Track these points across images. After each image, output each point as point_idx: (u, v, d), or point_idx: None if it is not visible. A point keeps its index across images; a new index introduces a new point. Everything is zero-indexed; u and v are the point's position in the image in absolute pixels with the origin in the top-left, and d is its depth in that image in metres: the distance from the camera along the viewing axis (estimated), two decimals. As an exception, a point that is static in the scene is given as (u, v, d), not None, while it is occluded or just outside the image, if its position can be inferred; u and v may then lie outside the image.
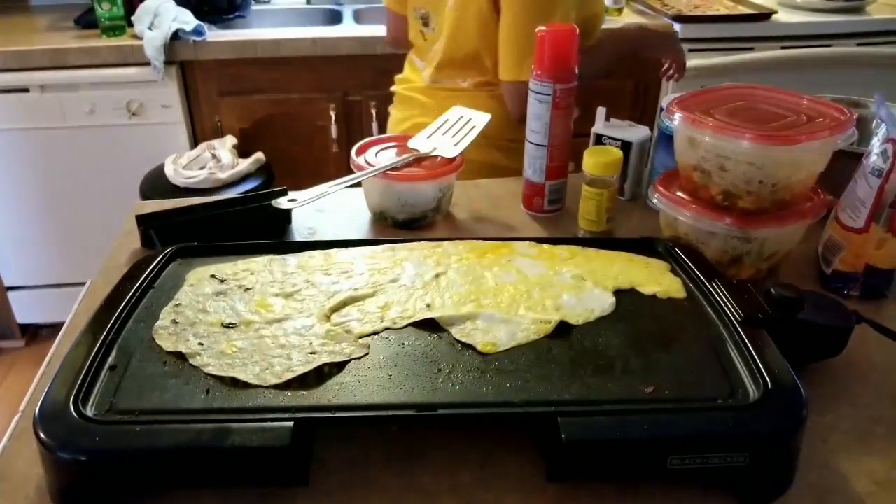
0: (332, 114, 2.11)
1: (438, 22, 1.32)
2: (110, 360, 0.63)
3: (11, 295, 2.29)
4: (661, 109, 0.95)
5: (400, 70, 1.53)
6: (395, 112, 1.50)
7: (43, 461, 0.56)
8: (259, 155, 2.02)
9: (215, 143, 2.04)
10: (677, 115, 0.81)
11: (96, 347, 0.63)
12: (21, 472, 0.60)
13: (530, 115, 0.99)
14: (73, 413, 0.55)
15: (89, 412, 0.56)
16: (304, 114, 2.13)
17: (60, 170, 2.10)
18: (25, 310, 2.33)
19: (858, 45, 2.20)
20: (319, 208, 1.04)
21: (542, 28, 0.95)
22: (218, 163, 1.93)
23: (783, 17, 2.21)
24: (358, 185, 0.99)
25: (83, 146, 2.06)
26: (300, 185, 0.98)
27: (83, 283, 2.46)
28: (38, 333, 2.43)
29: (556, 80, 0.95)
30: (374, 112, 2.11)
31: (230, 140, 2.06)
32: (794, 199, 0.82)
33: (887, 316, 0.80)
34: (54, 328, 2.43)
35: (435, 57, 1.34)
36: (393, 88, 1.51)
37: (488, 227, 1.03)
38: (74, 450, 0.54)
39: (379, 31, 2.07)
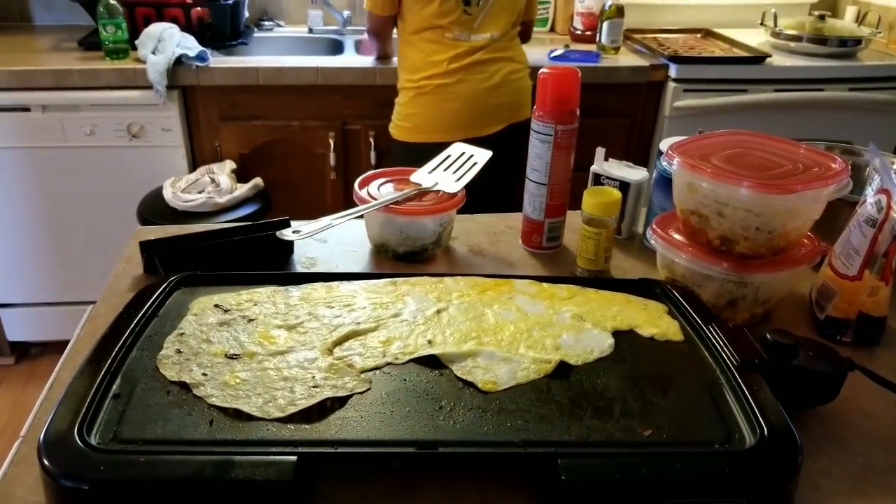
0: (331, 142, 2.13)
1: None
2: (114, 388, 0.63)
3: (2, 312, 2.28)
4: (660, 153, 0.97)
5: (394, 98, 1.92)
6: (468, 77, 1.83)
7: (45, 488, 0.56)
8: (257, 180, 2.04)
9: (214, 167, 2.05)
10: (676, 161, 0.83)
11: (101, 375, 0.63)
12: (21, 499, 0.60)
13: (531, 154, 1.01)
14: (78, 441, 0.56)
15: (93, 440, 0.57)
16: (303, 141, 2.15)
17: (58, 189, 2.10)
18: (16, 327, 2.32)
19: (850, 89, 2.24)
20: (321, 239, 1.05)
21: (546, 71, 0.98)
22: (216, 187, 1.95)
23: (777, 60, 2.26)
24: (360, 217, 1.00)
25: (82, 167, 2.07)
26: (297, 212, 0.99)
27: (76, 303, 2.45)
28: (28, 351, 2.42)
29: (558, 122, 0.97)
30: (372, 141, 2.13)
31: (229, 165, 2.07)
32: (789, 245, 0.84)
33: (879, 363, 0.81)
34: (44, 346, 2.42)
35: (496, 20, 1.83)
36: (442, 69, 1.82)
37: (487, 262, 1.04)
38: (78, 478, 0.54)
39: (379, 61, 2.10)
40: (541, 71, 0.98)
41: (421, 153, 1.79)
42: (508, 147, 1.55)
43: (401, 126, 1.91)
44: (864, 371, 0.72)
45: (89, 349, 0.68)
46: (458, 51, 1.82)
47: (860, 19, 2.48)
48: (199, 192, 1.93)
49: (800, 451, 0.59)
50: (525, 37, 2.04)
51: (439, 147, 1.32)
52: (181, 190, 1.93)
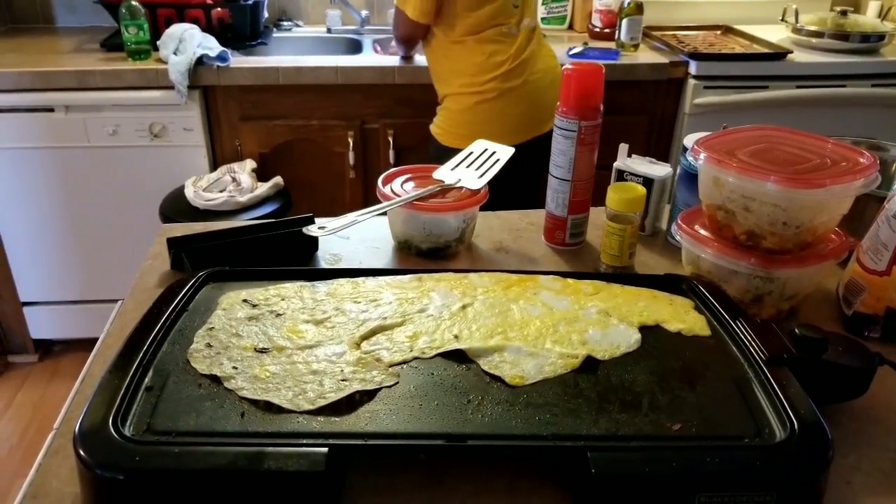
0: (350, 141, 2.14)
1: None
2: (147, 381, 0.64)
3: (26, 310, 2.31)
4: (685, 148, 0.97)
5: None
6: (530, 77, 1.81)
7: (81, 479, 0.57)
8: (278, 179, 2.05)
9: (235, 166, 2.07)
10: (702, 156, 0.83)
11: (133, 368, 0.64)
12: (56, 490, 0.61)
13: (555, 150, 1.01)
14: (113, 432, 0.56)
15: (128, 432, 0.57)
16: (322, 140, 2.16)
17: (81, 189, 2.13)
18: (39, 325, 2.35)
19: (873, 85, 2.22)
20: (344, 235, 1.06)
21: (569, 67, 0.98)
22: (237, 186, 1.96)
23: (798, 56, 2.24)
24: (383, 213, 1.01)
25: (105, 166, 2.10)
26: (317, 210, 1.00)
27: (98, 301, 2.47)
28: (51, 349, 2.45)
29: (582, 118, 0.97)
30: (390, 140, 2.14)
31: (250, 164, 2.09)
32: (816, 240, 0.83)
33: (908, 359, 0.80)
34: (67, 344, 2.45)
35: (530, 6, 1.83)
36: (505, 69, 1.79)
37: (510, 258, 1.04)
38: (114, 468, 0.55)
39: (398, 60, 2.11)
40: (564, 67, 0.98)
41: None
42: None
43: (455, 133, 1.83)
44: (893, 366, 0.71)
45: (120, 344, 0.69)
46: (515, 47, 1.78)
47: (883, 14, 2.45)
48: (221, 191, 1.95)
49: (830, 446, 0.59)
50: None
51: None
52: (203, 189, 1.95)
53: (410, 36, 1.90)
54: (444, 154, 1.90)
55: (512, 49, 1.78)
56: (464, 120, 1.83)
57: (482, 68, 1.78)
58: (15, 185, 2.11)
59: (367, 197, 2.21)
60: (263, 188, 1.98)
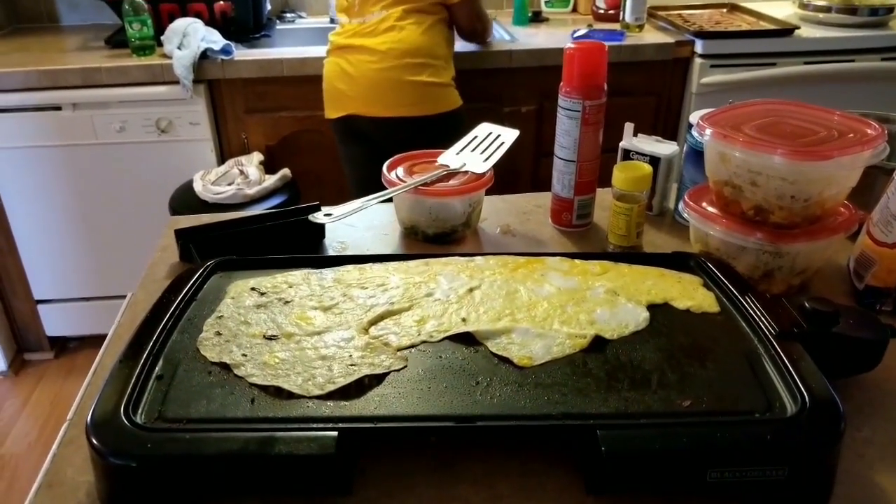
0: (357, 130, 2.13)
1: None
2: (157, 370, 0.64)
3: (41, 308, 2.33)
4: (691, 126, 0.96)
5: None
6: (332, 59, 1.90)
7: (94, 467, 0.57)
8: (285, 171, 2.05)
9: (242, 159, 2.07)
10: (708, 131, 0.82)
11: (143, 358, 0.64)
12: (71, 479, 0.61)
13: (559, 131, 1.01)
14: (125, 420, 0.57)
15: (139, 420, 0.58)
16: (328, 131, 2.15)
17: (91, 186, 2.14)
18: (54, 323, 2.37)
19: (882, 59, 2.20)
20: (351, 223, 1.06)
21: (572, 45, 0.97)
22: (245, 179, 1.96)
23: (805, 32, 2.21)
24: (389, 200, 1.01)
25: (113, 163, 2.11)
26: (325, 201, 1.00)
27: (112, 297, 2.48)
28: (67, 346, 2.47)
29: (586, 97, 0.96)
30: (397, 128, 2.13)
31: (257, 156, 2.09)
32: (825, 213, 0.82)
33: (921, 331, 0.80)
34: (82, 341, 2.47)
35: (369, 5, 1.82)
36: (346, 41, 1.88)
37: (517, 241, 1.04)
38: (126, 456, 0.55)
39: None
40: (567, 46, 0.97)
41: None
42: (349, 136, 1.80)
43: None
44: (906, 338, 0.71)
45: (131, 334, 0.69)
46: (337, 32, 1.90)
47: (891, -13, 2.42)
48: (229, 184, 1.95)
49: (842, 419, 0.58)
50: (460, 29, 1.95)
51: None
52: (211, 182, 1.95)
53: None
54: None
55: (334, 35, 1.91)
56: None
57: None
58: (25, 184, 2.12)
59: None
60: (271, 180, 1.99)
